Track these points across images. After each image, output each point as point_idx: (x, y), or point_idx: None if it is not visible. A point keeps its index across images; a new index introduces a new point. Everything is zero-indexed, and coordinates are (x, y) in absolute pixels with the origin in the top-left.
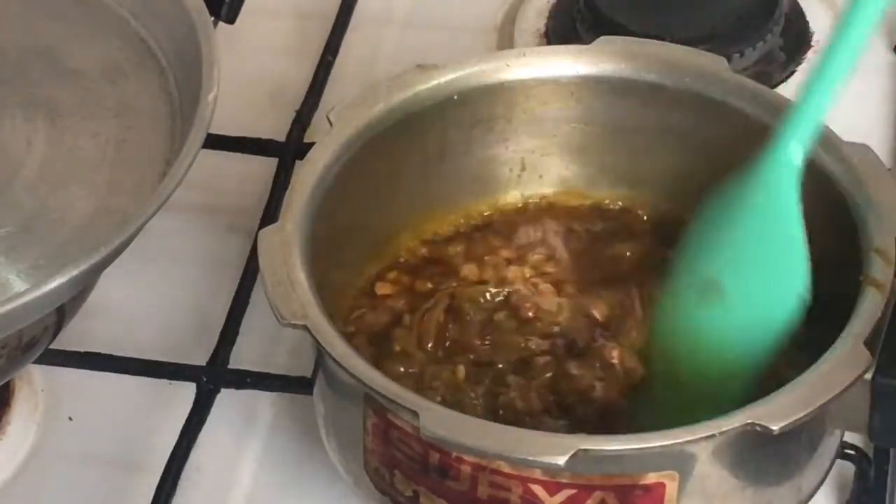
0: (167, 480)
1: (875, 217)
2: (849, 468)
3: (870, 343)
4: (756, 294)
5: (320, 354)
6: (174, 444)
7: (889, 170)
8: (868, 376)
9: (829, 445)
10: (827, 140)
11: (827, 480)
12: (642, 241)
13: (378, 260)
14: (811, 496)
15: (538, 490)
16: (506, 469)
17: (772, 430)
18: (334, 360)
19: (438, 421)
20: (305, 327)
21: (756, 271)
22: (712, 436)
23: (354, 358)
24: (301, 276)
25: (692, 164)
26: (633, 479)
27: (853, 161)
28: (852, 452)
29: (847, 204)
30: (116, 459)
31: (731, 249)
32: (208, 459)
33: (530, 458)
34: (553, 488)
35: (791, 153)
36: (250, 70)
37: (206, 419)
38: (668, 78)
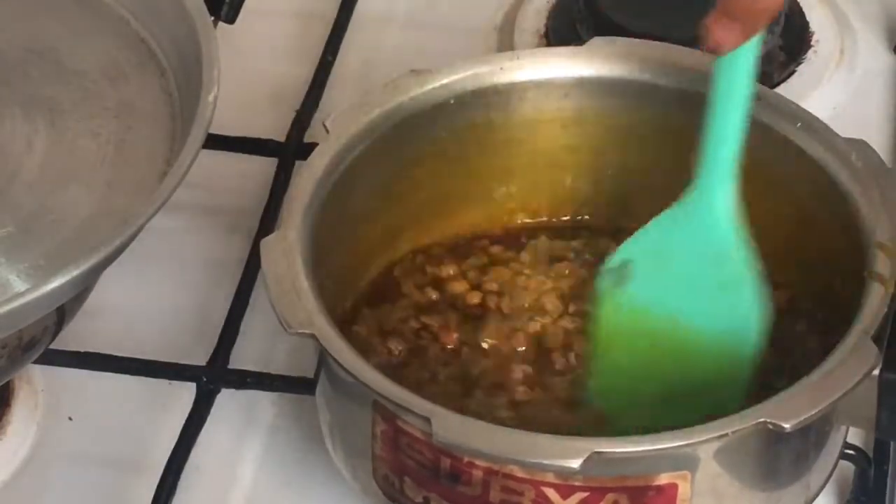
0: (167, 480)
1: (876, 212)
2: (849, 468)
3: (876, 338)
4: (711, 323)
5: (325, 362)
6: (174, 444)
7: (889, 168)
8: (875, 372)
9: (836, 442)
10: (825, 136)
11: None
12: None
13: (377, 265)
14: (818, 493)
15: (551, 493)
16: (518, 473)
17: (784, 428)
18: (343, 367)
19: (451, 427)
20: (313, 335)
21: (708, 301)
22: (724, 435)
23: (363, 365)
24: (305, 284)
25: (688, 163)
26: (645, 480)
27: (852, 156)
28: (852, 452)
29: (847, 199)
30: (116, 459)
31: (677, 281)
32: (208, 459)
33: (545, 462)
34: (566, 491)
35: (715, 194)
36: (250, 70)
37: (206, 419)
38: (663, 77)
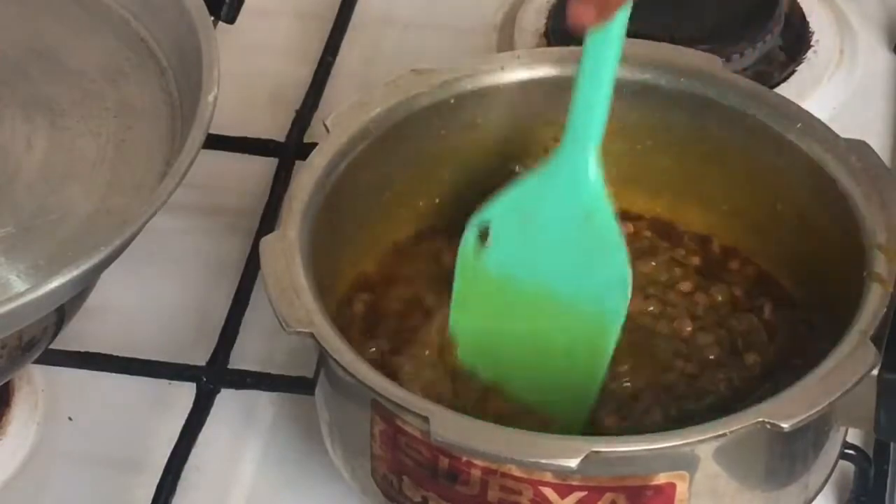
0: (167, 480)
1: (875, 212)
2: (849, 468)
3: (875, 339)
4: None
5: (324, 361)
6: (174, 444)
7: (888, 169)
8: (874, 372)
9: (835, 442)
10: (825, 136)
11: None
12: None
13: (377, 264)
14: (817, 493)
15: (549, 493)
16: (516, 472)
17: (782, 428)
18: (342, 367)
19: (449, 425)
20: (311, 335)
21: (574, 268)
22: (723, 435)
23: (362, 364)
24: (304, 283)
25: (687, 162)
26: (643, 480)
27: (851, 157)
28: (852, 452)
29: (847, 200)
30: (116, 459)
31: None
32: (208, 459)
33: (543, 461)
34: (564, 491)
35: (583, 157)
36: (250, 70)
37: (206, 419)
38: (662, 78)
